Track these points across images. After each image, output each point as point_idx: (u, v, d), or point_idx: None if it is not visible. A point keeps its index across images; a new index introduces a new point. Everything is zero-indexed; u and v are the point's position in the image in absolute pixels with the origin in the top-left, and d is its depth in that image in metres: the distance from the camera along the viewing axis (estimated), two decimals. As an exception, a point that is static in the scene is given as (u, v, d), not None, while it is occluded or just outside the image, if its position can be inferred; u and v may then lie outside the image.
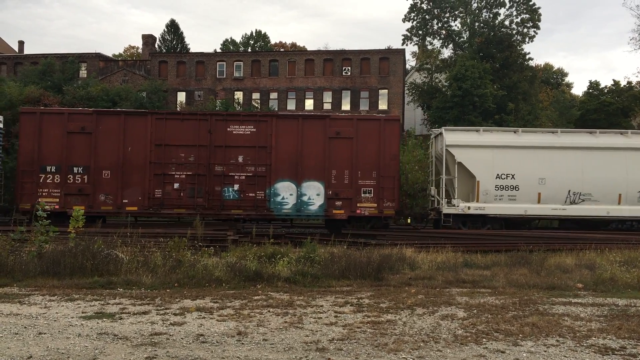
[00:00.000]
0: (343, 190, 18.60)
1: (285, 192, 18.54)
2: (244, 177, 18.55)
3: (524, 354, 6.00)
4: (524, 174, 19.15)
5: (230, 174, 18.50)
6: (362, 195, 18.59)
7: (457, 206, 19.11)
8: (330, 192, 18.59)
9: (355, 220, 18.66)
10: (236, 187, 18.51)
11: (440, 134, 20.38)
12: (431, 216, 20.46)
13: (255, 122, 18.78)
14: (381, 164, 18.62)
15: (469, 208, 19.01)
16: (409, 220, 21.84)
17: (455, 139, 19.88)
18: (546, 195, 19.06)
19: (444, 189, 19.77)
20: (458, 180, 19.55)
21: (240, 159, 18.57)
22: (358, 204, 18.55)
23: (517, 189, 19.09)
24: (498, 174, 19.16)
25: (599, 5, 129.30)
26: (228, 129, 18.62)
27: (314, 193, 18.56)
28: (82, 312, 7.71)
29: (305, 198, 18.55)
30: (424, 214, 21.40)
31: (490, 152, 19.35)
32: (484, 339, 6.54)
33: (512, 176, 19.13)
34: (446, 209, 19.28)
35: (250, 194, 18.51)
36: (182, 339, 6.45)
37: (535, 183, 19.08)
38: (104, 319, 7.31)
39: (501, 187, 19.11)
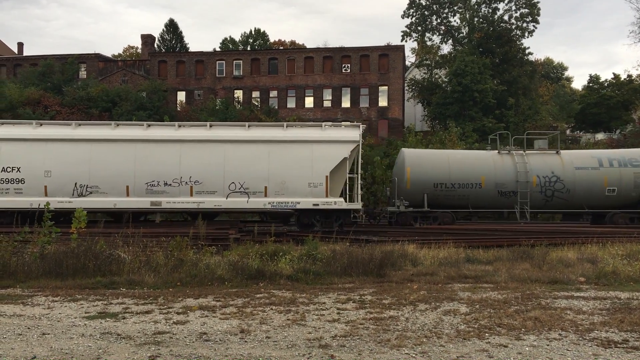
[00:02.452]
0: None
1: None
2: None
3: (527, 348, 6.01)
4: (30, 167, 18.74)
5: None
6: None
7: None
8: None
9: None
10: None
11: None
12: None
13: None
14: None
15: None
16: None
17: None
18: (53, 189, 18.69)
19: None
20: None
21: None
22: None
23: (23, 182, 18.71)
24: (4, 167, 18.75)
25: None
26: None
27: None
28: (85, 312, 7.73)
29: None
30: None
31: None
32: (487, 334, 6.55)
33: (18, 169, 18.73)
34: None
35: None
36: (185, 337, 6.47)
37: (42, 176, 18.71)
38: (107, 319, 7.34)
39: (7, 180, 18.72)
